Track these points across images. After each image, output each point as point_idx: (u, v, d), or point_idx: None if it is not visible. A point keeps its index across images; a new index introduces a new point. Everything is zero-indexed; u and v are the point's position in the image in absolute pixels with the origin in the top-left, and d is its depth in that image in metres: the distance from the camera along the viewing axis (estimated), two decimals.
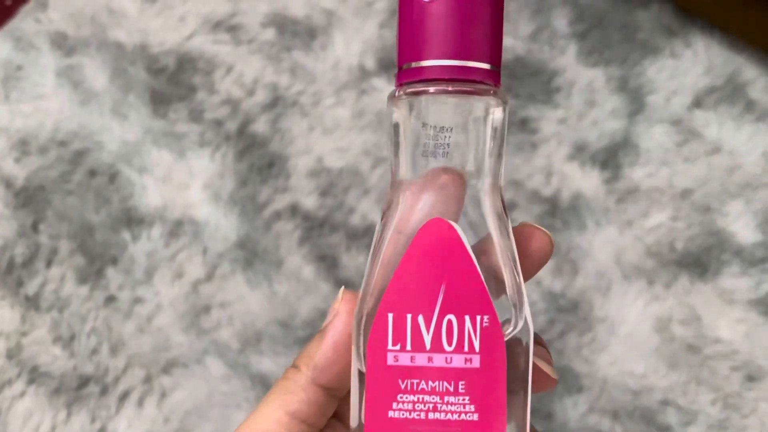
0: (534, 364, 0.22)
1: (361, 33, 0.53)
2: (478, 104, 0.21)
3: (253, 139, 0.50)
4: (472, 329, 0.20)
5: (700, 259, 0.49)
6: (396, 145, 0.21)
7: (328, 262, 0.49)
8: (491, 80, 0.20)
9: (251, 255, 0.49)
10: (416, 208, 0.21)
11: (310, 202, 0.50)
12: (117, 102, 0.50)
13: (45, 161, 0.49)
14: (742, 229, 0.50)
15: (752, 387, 0.47)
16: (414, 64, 0.20)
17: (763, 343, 0.48)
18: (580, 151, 0.51)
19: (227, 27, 0.52)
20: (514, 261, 0.21)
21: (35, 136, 0.50)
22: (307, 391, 0.22)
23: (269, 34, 0.52)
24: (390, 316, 0.20)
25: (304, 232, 0.49)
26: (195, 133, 0.50)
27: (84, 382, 0.46)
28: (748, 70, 0.52)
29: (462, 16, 0.20)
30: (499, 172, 0.21)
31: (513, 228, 0.22)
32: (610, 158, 0.51)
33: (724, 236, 0.50)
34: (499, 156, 0.21)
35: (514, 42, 0.52)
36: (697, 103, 0.52)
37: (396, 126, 0.21)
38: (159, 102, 0.50)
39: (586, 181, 0.50)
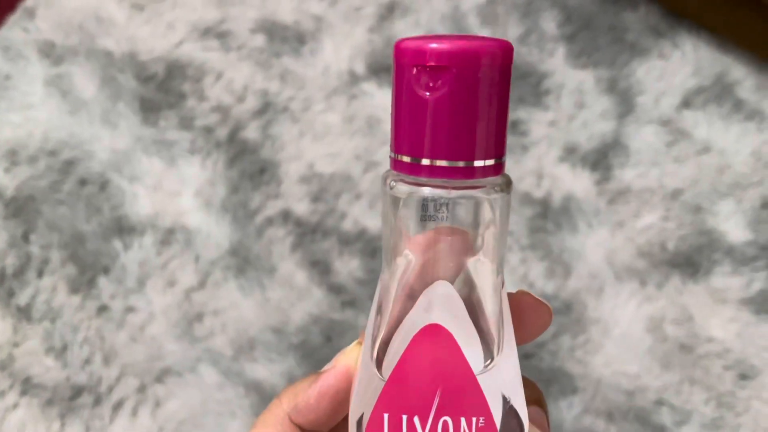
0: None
1: (351, 38, 0.53)
2: (481, 200, 0.19)
3: (244, 146, 0.50)
4: (468, 430, 0.20)
5: (691, 258, 0.49)
6: (393, 216, 0.20)
7: (320, 268, 0.49)
8: (494, 173, 0.19)
9: (244, 262, 0.48)
10: (423, 273, 0.20)
11: (301, 207, 0.50)
12: (106, 110, 0.50)
13: (35, 171, 0.49)
14: (733, 229, 0.50)
15: (745, 386, 0.48)
16: (412, 160, 0.19)
17: (756, 342, 0.48)
18: (570, 153, 0.51)
19: (216, 33, 0.52)
20: (508, 327, 0.21)
21: (24, 145, 0.50)
22: (283, 425, 0.23)
23: (259, 40, 0.52)
24: (386, 416, 0.20)
25: (296, 238, 0.49)
26: (185, 140, 0.50)
27: (77, 392, 0.46)
28: (736, 70, 0.52)
29: (466, 113, 0.18)
30: (503, 253, 0.21)
31: (513, 294, 0.22)
32: (601, 159, 0.51)
33: (715, 236, 0.50)
34: (502, 238, 0.20)
35: None
36: (686, 103, 0.52)
37: (395, 199, 0.20)
38: (149, 110, 0.50)
39: (577, 183, 0.50)
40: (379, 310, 0.21)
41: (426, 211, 0.19)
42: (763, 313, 0.49)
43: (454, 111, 0.18)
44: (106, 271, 0.48)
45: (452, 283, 0.20)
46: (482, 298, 0.21)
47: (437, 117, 0.18)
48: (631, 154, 0.51)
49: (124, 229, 0.49)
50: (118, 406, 0.46)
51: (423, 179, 0.19)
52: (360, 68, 0.52)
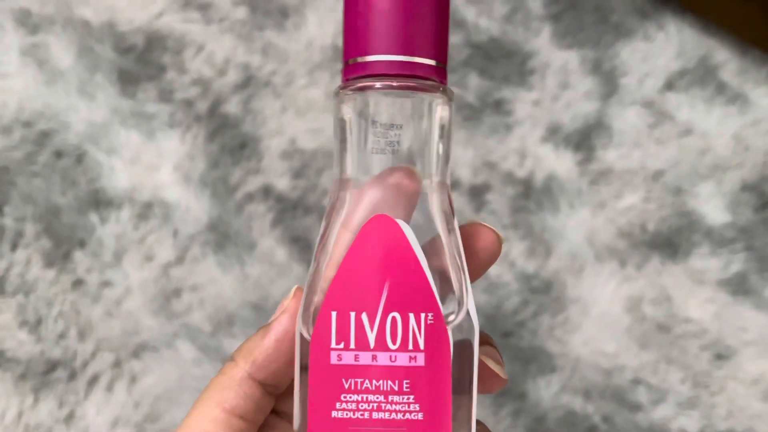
0: (483, 364, 0.22)
1: (335, 13, 0.52)
2: (423, 100, 0.20)
3: (225, 120, 0.50)
4: (417, 327, 0.20)
5: (671, 240, 0.50)
6: (342, 141, 0.21)
7: (301, 245, 0.48)
8: (437, 77, 0.20)
9: (223, 237, 0.48)
10: (364, 205, 0.21)
11: (282, 183, 0.49)
12: (83, 81, 0.49)
13: (9, 142, 0.48)
14: (712, 211, 0.50)
15: (721, 366, 0.48)
16: (360, 59, 0.20)
17: (732, 323, 0.49)
18: (553, 133, 0.51)
19: (198, 5, 0.51)
20: (461, 259, 0.21)
21: None
22: (243, 386, 0.22)
23: (241, 12, 0.51)
24: (333, 314, 0.20)
25: (276, 214, 0.49)
26: (165, 113, 0.49)
27: (51, 367, 0.45)
28: (720, 53, 0.52)
29: (407, 11, 0.20)
30: (447, 170, 0.21)
31: (461, 226, 0.22)
32: (584, 140, 0.51)
33: (695, 217, 0.50)
34: (447, 154, 0.21)
35: (488, 23, 0.52)
36: (669, 85, 0.52)
37: (342, 122, 0.21)
38: (127, 81, 0.49)
39: (560, 163, 0.50)
40: (319, 251, 0.21)
41: (375, 136, 0.20)
42: (740, 294, 0.49)
43: (396, 10, 0.20)
44: (81, 244, 0.47)
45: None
46: (436, 238, 0.21)
47: (381, 16, 0.20)
48: (613, 135, 0.51)
49: (100, 202, 0.48)
50: (93, 381, 0.46)
51: (368, 81, 0.20)
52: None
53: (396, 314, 0.20)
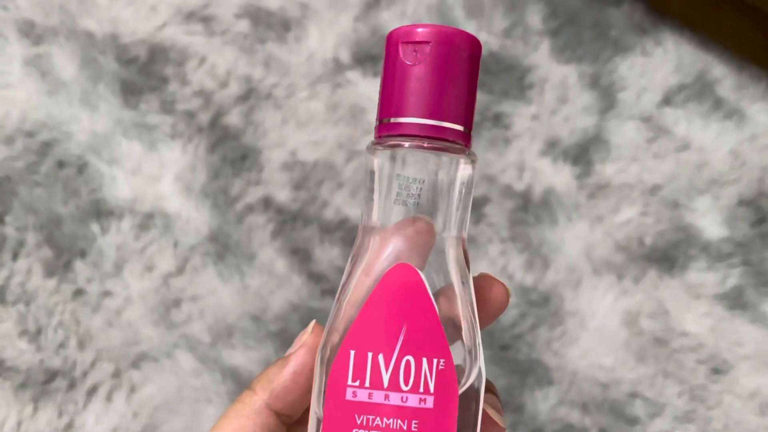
0: (484, 412, 0.23)
1: (336, 26, 0.52)
2: (449, 161, 0.22)
3: (226, 132, 0.50)
4: (429, 371, 0.21)
5: (668, 254, 0.50)
6: (370, 191, 0.23)
7: (301, 256, 0.49)
8: (462, 141, 0.22)
9: (223, 248, 0.48)
10: (384, 253, 0.22)
11: (283, 195, 0.49)
12: (86, 92, 0.49)
13: (11, 152, 0.48)
14: (709, 225, 0.50)
15: (717, 380, 0.48)
16: (393, 120, 0.22)
17: (728, 337, 0.49)
18: (552, 147, 0.51)
19: (200, 18, 0.51)
20: (473, 311, 0.22)
21: (1, 126, 0.49)
22: (261, 415, 0.23)
23: (243, 25, 0.52)
24: (352, 353, 0.21)
25: (276, 225, 0.49)
26: (166, 124, 0.50)
27: (51, 376, 0.46)
28: (717, 68, 0.53)
29: (440, 80, 0.22)
30: (464, 225, 0.23)
31: (474, 277, 0.23)
32: (582, 154, 0.51)
33: (692, 231, 0.50)
34: (465, 210, 0.23)
35: (488, 37, 0.52)
36: (667, 100, 0.52)
37: (372, 173, 0.23)
38: (130, 93, 0.50)
39: (558, 177, 0.51)
40: (341, 294, 0.22)
41: (399, 188, 0.22)
42: (736, 308, 0.49)
43: (431, 78, 0.22)
44: (82, 254, 0.47)
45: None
46: (449, 286, 0.22)
47: (417, 82, 0.22)
48: (611, 149, 0.51)
49: (101, 212, 0.48)
50: (92, 391, 0.46)
51: (400, 140, 0.22)
52: (345, 57, 0.52)
53: (410, 357, 0.21)
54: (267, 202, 0.49)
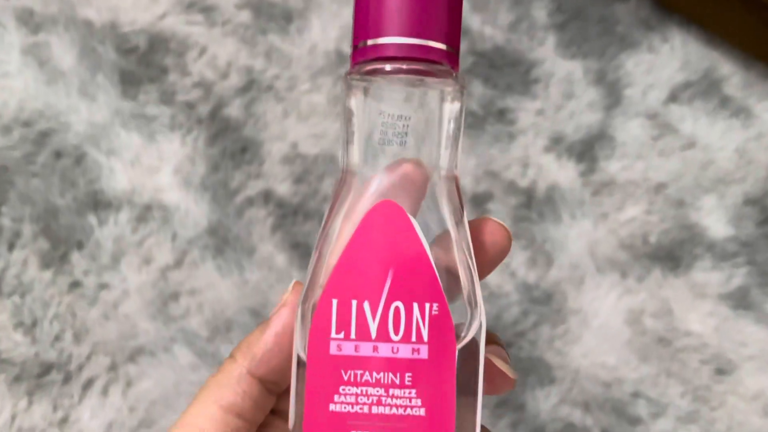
0: (491, 363, 0.21)
1: (339, 18, 0.52)
2: (434, 87, 0.20)
3: (226, 124, 0.49)
4: (421, 317, 0.19)
5: (672, 252, 0.50)
6: (350, 131, 0.20)
7: (301, 251, 0.48)
8: (449, 62, 0.20)
9: (222, 242, 0.48)
10: (368, 195, 0.20)
11: (283, 188, 0.49)
12: (85, 82, 0.49)
13: (8, 141, 0.48)
14: (715, 224, 0.50)
15: (721, 380, 0.48)
16: (370, 42, 0.20)
17: (733, 337, 0.48)
18: (556, 143, 0.51)
19: (201, 8, 0.51)
20: (470, 254, 0.20)
21: None
22: (242, 383, 0.21)
23: (244, 16, 0.51)
24: (334, 302, 0.19)
25: (277, 219, 0.48)
26: (166, 115, 0.49)
27: (46, 369, 0.45)
28: (724, 66, 0.52)
29: None
30: (456, 160, 0.21)
31: (470, 221, 0.21)
32: (587, 151, 0.51)
33: (697, 230, 0.50)
34: (456, 143, 0.21)
35: (493, 31, 0.52)
36: (673, 97, 0.52)
37: (348, 111, 0.20)
38: (129, 83, 0.49)
39: (562, 174, 0.50)
40: (321, 242, 0.20)
41: (384, 126, 0.19)
42: (741, 308, 0.49)
43: None
44: (79, 246, 0.47)
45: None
46: (445, 234, 0.20)
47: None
48: (616, 146, 0.51)
49: (99, 204, 0.47)
50: (88, 385, 0.45)
51: (377, 65, 0.19)
52: (347, 49, 0.51)
53: (399, 304, 0.19)
54: (267, 196, 0.49)
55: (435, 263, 0.19)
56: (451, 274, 0.20)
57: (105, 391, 0.45)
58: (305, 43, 0.51)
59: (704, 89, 0.52)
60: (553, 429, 0.47)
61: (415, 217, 0.20)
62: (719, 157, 0.51)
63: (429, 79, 0.20)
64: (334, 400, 0.19)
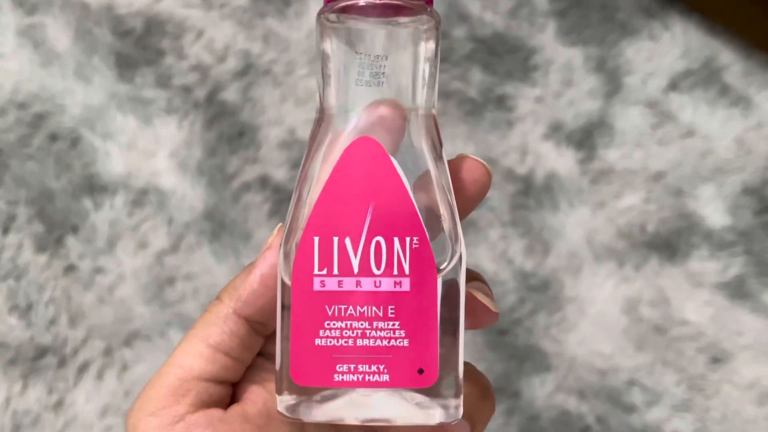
0: (473, 297, 0.21)
1: None
2: (409, 25, 0.20)
3: (223, 108, 0.49)
4: (402, 251, 0.19)
5: (670, 241, 0.49)
6: (326, 74, 0.20)
7: None
8: None
9: (218, 227, 0.47)
10: (347, 135, 0.20)
11: (280, 174, 0.48)
12: (80, 64, 0.48)
13: (3, 124, 0.47)
14: (713, 213, 0.50)
15: (716, 369, 0.48)
16: None
17: (729, 326, 0.49)
18: (555, 131, 0.50)
19: None
20: (449, 191, 0.20)
21: None
22: (228, 322, 0.21)
23: None
24: (316, 239, 0.19)
25: (273, 204, 0.48)
26: (162, 99, 0.48)
27: (41, 353, 0.45)
28: (725, 54, 0.52)
29: None
30: (433, 99, 0.21)
31: (449, 161, 0.21)
32: (586, 139, 0.51)
33: (695, 219, 0.50)
34: (433, 82, 0.21)
35: (493, 17, 0.51)
36: (673, 86, 0.51)
37: (324, 53, 0.20)
38: (125, 66, 0.49)
39: (561, 161, 0.50)
40: (300, 184, 0.20)
41: (360, 67, 0.19)
42: (737, 298, 0.49)
43: None
44: (74, 230, 0.46)
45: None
46: (425, 173, 0.20)
47: None
48: (615, 134, 0.51)
49: (95, 187, 0.47)
50: (83, 369, 0.45)
51: (353, 1, 0.19)
52: None
53: (380, 238, 0.19)
54: (264, 181, 0.48)
55: (416, 201, 0.20)
56: (432, 212, 0.20)
57: (100, 375, 0.45)
58: (303, 26, 0.50)
59: (704, 78, 0.52)
60: (548, 416, 0.47)
61: (395, 156, 0.20)
62: (718, 146, 0.51)
63: (403, 18, 0.20)
64: (320, 335, 0.20)
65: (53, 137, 0.47)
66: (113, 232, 0.47)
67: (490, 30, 0.51)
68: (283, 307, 0.20)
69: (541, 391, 0.47)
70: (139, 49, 0.49)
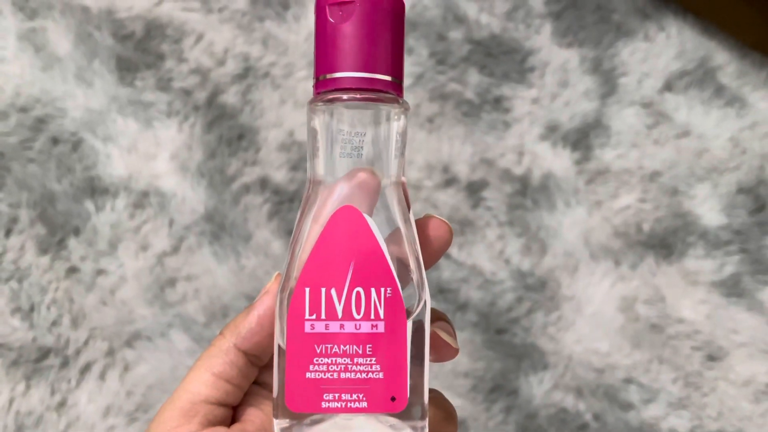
0: (437, 336, 0.25)
1: None
2: (383, 111, 0.24)
3: (223, 110, 0.49)
4: (377, 299, 0.23)
5: (666, 240, 0.50)
6: (314, 147, 0.24)
7: None
8: (394, 91, 0.24)
9: (219, 228, 0.48)
10: (331, 200, 0.24)
11: (279, 176, 0.49)
12: (81, 68, 0.49)
13: (4, 127, 0.48)
14: (708, 212, 0.50)
15: (712, 366, 0.48)
16: (329, 76, 0.24)
17: (724, 324, 0.49)
18: (552, 132, 0.51)
19: None
20: (416, 246, 0.24)
21: None
22: (229, 354, 0.25)
23: (241, 2, 0.51)
24: (307, 290, 0.23)
25: (273, 206, 0.48)
26: (162, 102, 0.49)
27: (44, 354, 0.45)
28: (719, 55, 0.52)
29: (367, 36, 0.24)
30: (402, 168, 0.25)
31: (417, 219, 0.25)
32: (582, 139, 0.51)
33: (690, 219, 0.50)
34: (402, 155, 0.25)
35: (489, 19, 0.52)
36: (668, 86, 0.52)
37: (314, 131, 0.24)
38: (125, 69, 0.49)
39: (557, 162, 0.50)
40: (294, 242, 0.24)
41: (343, 143, 0.24)
42: (733, 296, 0.49)
43: (358, 34, 0.24)
44: (76, 232, 0.47)
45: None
46: (396, 231, 0.24)
47: (346, 39, 0.24)
48: (611, 134, 0.51)
49: (96, 190, 0.47)
50: (85, 369, 0.45)
51: (336, 94, 0.23)
52: None
53: (360, 289, 0.23)
54: (263, 183, 0.49)
55: (388, 255, 0.24)
56: (402, 264, 0.24)
57: (102, 376, 0.45)
58: (302, 30, 0.51)
59: (699, 78, 0.52)
60: (545, 414, 0.47)
61: (371, 216, 0.24)
62: (713, 146, 0.51)
63: (378, 105, 0.24)
64: (310, 369, 0.23)
65: (54, 140, 0.48)
66: (114, 234, 0.47)
67: (487, 32, 0.52)
68: (278, 346, 0.24)
69: (539, 389, 0.47)
70: (139, 52, 0.49)
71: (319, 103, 0.24)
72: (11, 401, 0.45)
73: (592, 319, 0.48)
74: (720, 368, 0.48)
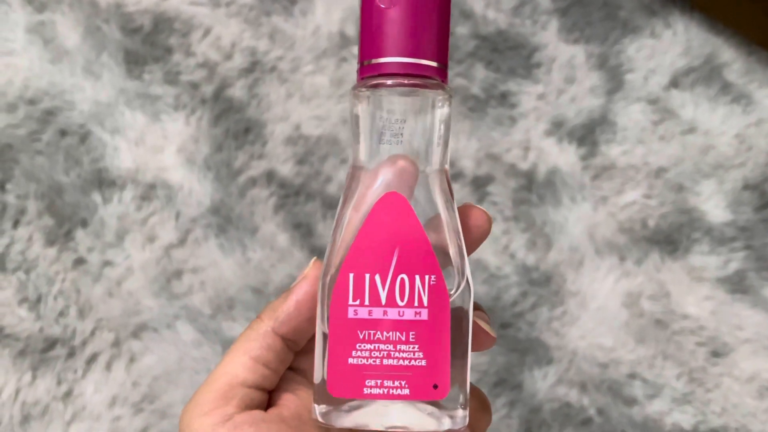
0: (475, 324, 0.25)
1: (342, 0, 0.52)
2: (427, 97, 0.24)
3: (230, 104, 0.50)
4: (422, 287, 0.23)
5: (671, 236, 0.50)
6: (356, 133, 0.24)
7: (303, 231, 0.48)
8: (439, 76, 0.24)
9: (225, 221, 0.48)
10: (373, 187, 0.24)
11: (286, 169, 0.49)
12: (89, 61, 0.49)
13: (13, 119, 0.48)
14: (713, 209, 0.50)
15: (717, 362, 0.48)
16: (374, 61, 0.24)
17: (729, 320, 0.49)
18: (557, 127, 0.51)
19: None
20: (458, 234, 0.24)
21: (3, 93, 0.48)
22: (266, 338, 0.25)
23: None
24: (351, 275, 0.23)
25: (279, 199, 0.49)
26: (170, 95, 0.49)
27: (50, 344, 0.46)
28: (726, 52, 0.52)
29: (414, 20, 0.23)
30: (445, 157, 0.25)
31: (458, 207, 0.25)
32: (588, 135, 0.51)
33: (696, 215, 0.50)
34: (446, 143, 0.25)
35: (496, 15, 0.52)
36: (675, 83, 0.52)
37: (357, 117, 0.24)
38: (133, 62, 0.49)
39: (563, 157, 0.51)
40: (336, 229, 0.24)
41: (383, 129, 0.24)
42: (737, 292, 0.49)
43: (405, 19, 0.23)
44: (83, 224, 0.47)
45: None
46: (436, 216, 0.24)
47: (393, 24, 0.23)
48: (617, 130, 0.51)
49: (103, 182, 0.48)
50: (92, 360, 0.46)
51: (381, 80, 0.23)
52: (351, 31, 0.51)
53: (404, 276, 0.23)
54: (270, 176, 0.49)
55: (429, 239, 0.23)
56: (440, 251, 0.24)
57: (109, 366, 0.46)
58: (309, 24, 0.51)
59: (706, 75, 0.52)
60: (549, 408, 0.47)
61: (409, 201, 0.24)
62: (719, 143, 0.51)
63: (422, 90, 0.24)
64: (352, 355, 0.24)
65: (63, 133, 0.48)
66: (121, 226, 0.47)
67: (494, 27, 0.52)
68: (321, 331, 0.24)
69: (543, 383, 0.48)
70: (147, 46, 0.50)
71: (363, 89, 0.24)
72: (18, 391, 0.45)
73: (597, 315, 0.49)
74: (724, 364, 0.48)
